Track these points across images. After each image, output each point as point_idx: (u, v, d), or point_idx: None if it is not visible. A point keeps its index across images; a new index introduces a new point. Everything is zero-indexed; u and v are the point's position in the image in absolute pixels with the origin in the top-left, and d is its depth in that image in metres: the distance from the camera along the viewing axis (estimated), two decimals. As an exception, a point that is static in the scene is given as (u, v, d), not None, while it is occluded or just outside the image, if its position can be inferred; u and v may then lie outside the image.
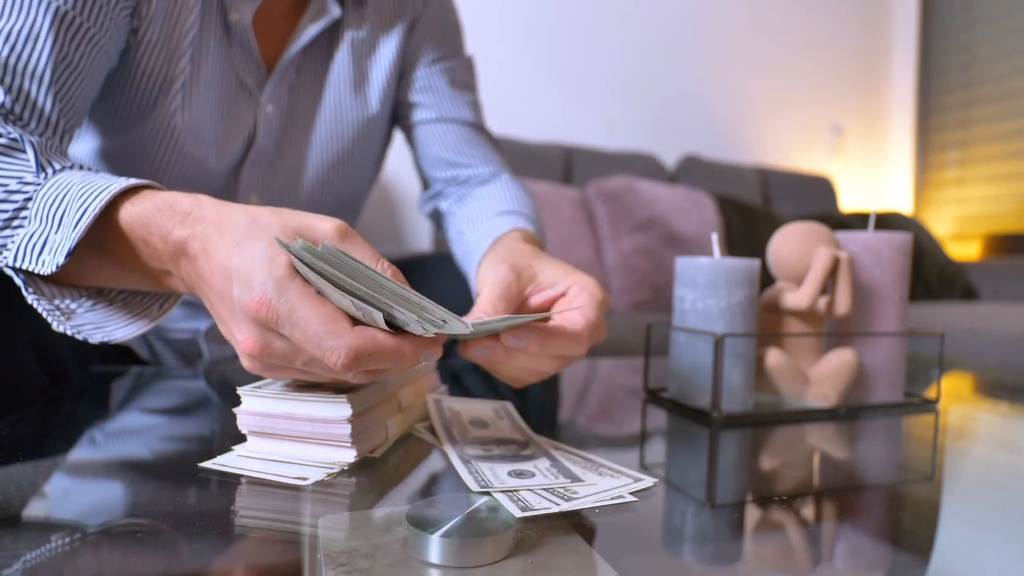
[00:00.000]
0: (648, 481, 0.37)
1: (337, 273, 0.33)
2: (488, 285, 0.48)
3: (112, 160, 0.70)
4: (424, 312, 0.34)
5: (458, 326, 0.35)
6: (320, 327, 0.33)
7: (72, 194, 0.43)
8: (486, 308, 0.45)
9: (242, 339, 0.36)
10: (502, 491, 0.34)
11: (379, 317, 0.33)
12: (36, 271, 0.43)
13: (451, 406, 0.50)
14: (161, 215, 0.41)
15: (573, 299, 0.47)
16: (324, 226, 0.38)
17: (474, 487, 0.35)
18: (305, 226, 0.38)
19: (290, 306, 0.33)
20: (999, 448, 0.54)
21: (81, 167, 0.49)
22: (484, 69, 1.11)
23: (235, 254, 0.36)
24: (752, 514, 0.36)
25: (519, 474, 0.37)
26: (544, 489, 0.35)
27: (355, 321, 0.34)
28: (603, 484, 0.36)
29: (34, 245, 0.43)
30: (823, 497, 0.39)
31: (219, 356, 0.81)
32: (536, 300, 0.49)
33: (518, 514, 0.31)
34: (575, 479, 0.37)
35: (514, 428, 0.47)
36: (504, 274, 0.48)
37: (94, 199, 0.42)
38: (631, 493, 0.36)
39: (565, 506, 0.33)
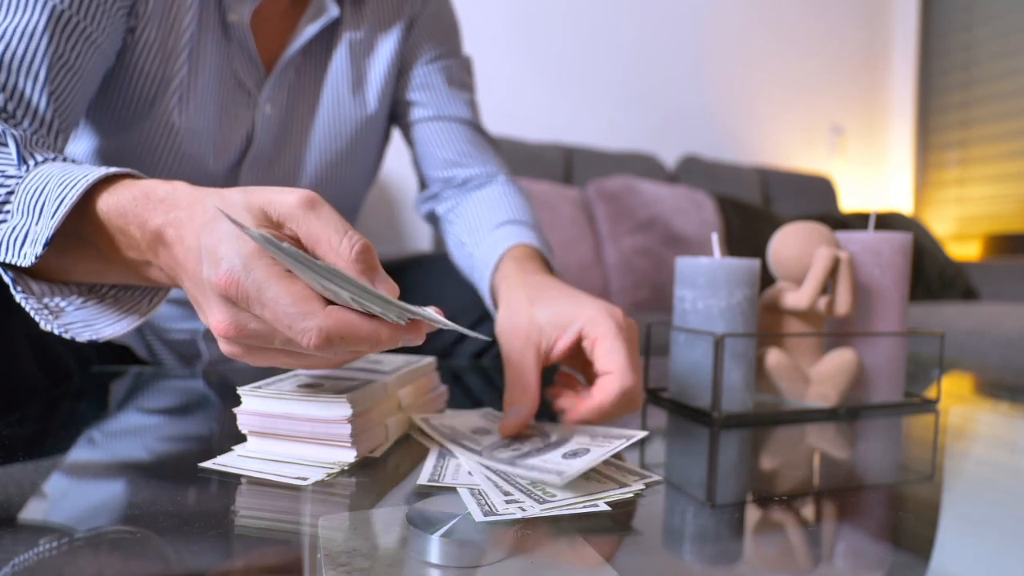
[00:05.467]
0: (650, 478, 0.37)
1: (301, 254, 0.32)
2: (511, 368, 0.48)
3: (110, 160, 0.70)
4: (389, 305, 0.33)
5: (426, 319, 0.34)
6: (291, 307, 0.32)
7: (51, 184, 0.42)
8: (521, 398, 0.46)
9: (215, 321, 0.35)
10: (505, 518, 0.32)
11: (346, 296, 0.32)
12: (18, 263, 0.43)
13: (442, 422, 0.48)
14: (137, 204, 0.40)
15: (596, 357, 0.47)
16: (288, 198, 0.35)
17: (478, 516, 0.31)
18: (268, 201, 0.36)
19: (258, 284, 0.32)
20: (999, 448, 0.54)
21: (65, 159, 0.48)
22: (484, 69, 1.11)
23: (204, 234, 0.35)
24: (752, 514, 0.36)
25: (574, 454, 0.37)
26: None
27: (327, 301, 0.33)
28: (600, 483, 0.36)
29: (16, 238, 0.43)
30: (823, 497, 0.39)
31: (218, 356, 0.81)
32: (556, 354, 0.49)
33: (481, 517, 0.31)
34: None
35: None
36: (518, 350, 0.48)
37: (71, 189, 0.41)
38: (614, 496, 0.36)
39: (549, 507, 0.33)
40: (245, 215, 0.35)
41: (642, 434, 0.39)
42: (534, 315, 0.49)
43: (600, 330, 0.46)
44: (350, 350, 0.34)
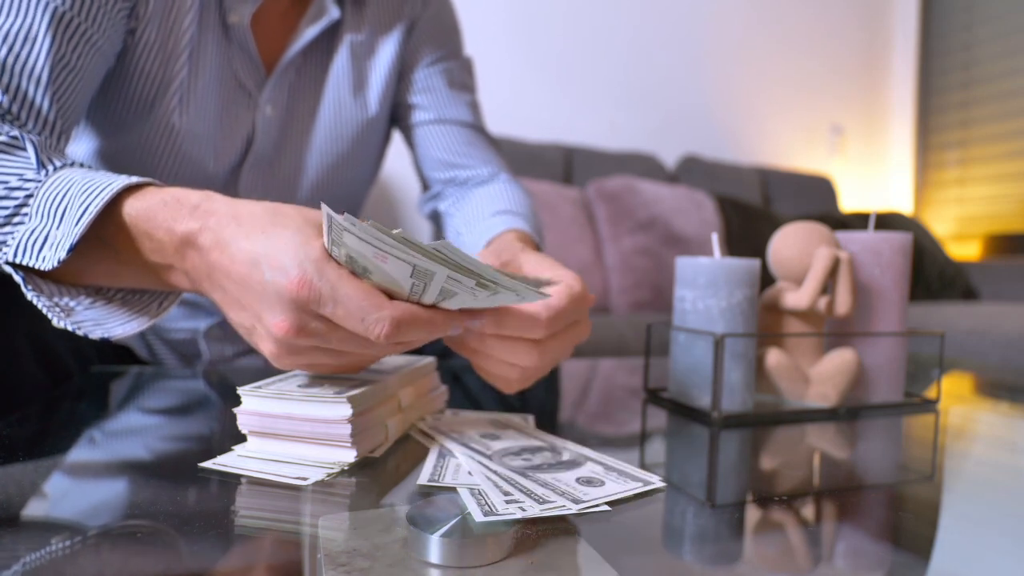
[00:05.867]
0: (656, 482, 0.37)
1: (406, 237, 0.34)
2: None
3: (110, 161, 0.70)
4: (481, 278, 0.35)
5: (507, 288, 0.36)
6: (363, 302, 0.35)
7: (74, 190, 0.43)
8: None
9: (276, 322, 0.36)
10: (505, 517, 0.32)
11: (440, 279, 0.35)
12: (37, 267, 0.43)
13: (450, 428, 0.47)
14: (168, 208, 0.41)
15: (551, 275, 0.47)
16: None
17: (478, 516, 0.31)
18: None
19: (332, 285, 0.35)
20: (999, 448, 0.54)
21: (81, 165, 0.49)
22: (485, 69, 1.11)
23: (261, 241, 0.37)
24: (752, 514, 0.36)
25: (588, 482, 0.37)
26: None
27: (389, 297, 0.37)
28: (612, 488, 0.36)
29: (34, 241, 0.43)
30: (823, 497, 0.39)
31: (218, 355, 0.81)
32: None
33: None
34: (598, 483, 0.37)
35: (527, 432, 0.47)
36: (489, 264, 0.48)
37: (98, 195, 0.42)
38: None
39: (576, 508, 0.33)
40: (306, 227, 0.38)
41: (661, 484, 0.38)
42: (519, 256, 0.52)
43: (566, 282, 0.45)
44: (409, 339, 0.37)
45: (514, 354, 0.43)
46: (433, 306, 0.38)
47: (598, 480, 0.37)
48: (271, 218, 0.38)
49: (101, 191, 0.42)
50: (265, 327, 0.38)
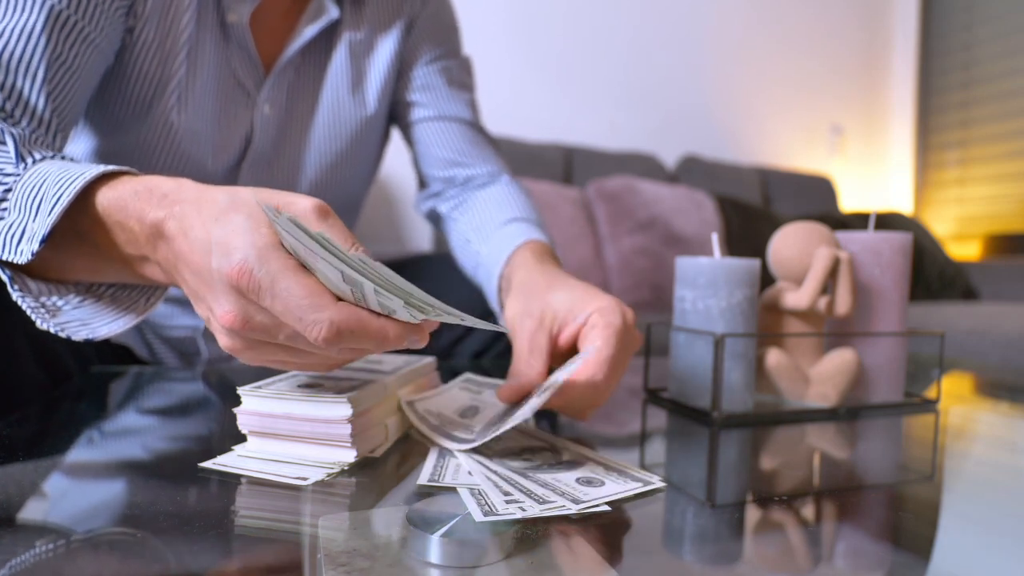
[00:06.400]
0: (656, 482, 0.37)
1: (329, 245, 0.32)
2: (520, 341, 0.48)
3: (109, 160, 0.70)
4: (411, 297, 0.33)
5: (444, 316, 0.34)
6: (303, 299, 0.32)
7: (49, 182, 0.42)
8: (525, 370, 0.46)
9: (221, 312, 0.34)
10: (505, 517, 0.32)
11: (370, 289, 0.32)
12: (15, 260, 0.43)
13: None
14: (139, 198, 0.40)
15: (587, 335, 0.46)
16: (302, 203, 0.37)
17: (478, 516, 0.31)
18: (284, 203, 0.37)
19: (271, 276, 0.32)
20: (999, 448, 0.54)
21: (63, 157, 0.48)
22: (484, 69, 1.11)
23: (215, 227, 0.35)
24: (752, 514, 0.36)
25: (588, 482, 0.37)
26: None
27: (338, 297, 0.33)
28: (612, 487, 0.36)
29: (13, 234, 0.43)
30: (823, 497, 0.39)
31: (217, 354, 0.81)
32: (564, 339, 0.49)
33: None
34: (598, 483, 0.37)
35: (524, 431, 0.47)
36: (530, 329, 0.48)
37: (69, 185, 0.41)
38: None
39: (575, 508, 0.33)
40: (258, 212, 0.35)
41: (661, 484, 0.38)
42: (550, 299, 0.50)
43: (604, 319, 0.46)
44: (354, 348, 0.34)
45: (583, 400, 0.45)
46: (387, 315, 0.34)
47: (598, 480, 0.37)
48: (227, 204, 0.36)
49: (73, 181, 0.41)
50: (215, 317, 0.36)
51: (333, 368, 0.40)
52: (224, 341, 0.36)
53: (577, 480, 0.37)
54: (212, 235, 0.35)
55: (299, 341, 0.35)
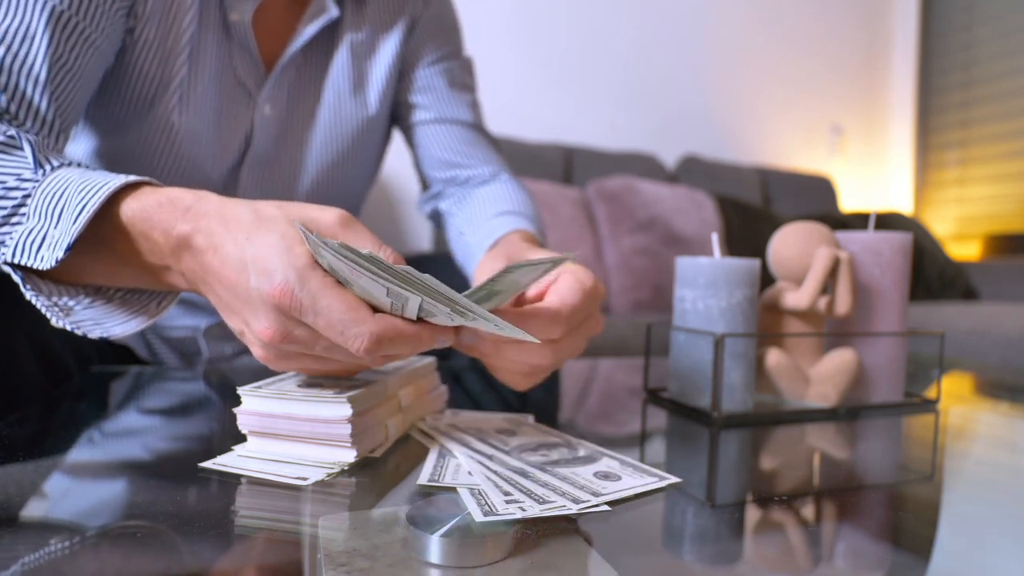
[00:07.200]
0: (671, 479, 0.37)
1: (378, 265, 0.34)
2: (481, 279, 0.48)
3: (109, 160, 0.70)
4: (456, 305, 0.35)
5: (482, 322, 0.35)
6: (343, 315, 0.34)
7: (71, 190, 0.43)
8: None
9: (261, 328, 0.36)
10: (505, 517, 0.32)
11: (415, 304, 0.34)
12: (35, 267, 0.43)
13: (467, 424, 0.48)
14: (163, 210, 0.41)
15: (558, 284, 0.46)
16: (326, 217, 0.39)
17: (478, 516, 0.31)
18: (309, 218, 0.39)
19: (312, 295, 0.34)
20: (999, 448, 0.54)
21: (79, 164, 0.49)
22: (486, 69, 1.11)
23: (247, 246, 0.37)
24: (752, 514, 0.36)
25: (606, 476, 0.37)
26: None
27: (374, 309, 0.36)
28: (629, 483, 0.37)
29: (32, 241, 0.43)
30: (823, 497, 0.39)
31: (218, 354, 0.81)
32: (532, 291, 0.48)
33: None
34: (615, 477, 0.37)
35: (538, 430, 0.47)
36: (499, 267, 0.48)
37: (95, 194, 0.42)
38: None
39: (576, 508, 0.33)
40: (289, 231, 0.37)
41: (677, 480, 0.38)
42: (525, 255, 0.50)
43: (574, 276, 0.45)
44: (391, 353, 0.36)
45: (529, 355, 0.43)
46: (421, 319, 0.37)
47: (615, 475, 0.37)
48: (253, 221, 0.38)
49: (98, 191, 0.42)
50: (252, 332, 0.38)
51: (355, 373, 0.43)
52: (259, 352, 0.39)
53: (595, 474, 0.37)
54: (246, 253, 0.37)
55: (335, 352, 0.37)
